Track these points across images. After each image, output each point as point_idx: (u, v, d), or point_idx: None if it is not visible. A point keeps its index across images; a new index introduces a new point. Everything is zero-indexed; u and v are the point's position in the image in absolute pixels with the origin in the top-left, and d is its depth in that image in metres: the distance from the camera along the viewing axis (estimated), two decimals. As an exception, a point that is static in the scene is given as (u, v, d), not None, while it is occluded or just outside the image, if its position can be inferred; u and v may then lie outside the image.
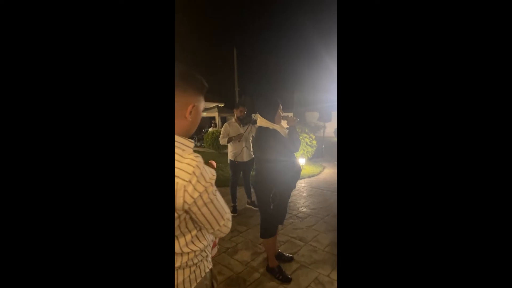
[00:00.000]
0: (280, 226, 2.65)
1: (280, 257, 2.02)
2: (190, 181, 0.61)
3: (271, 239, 1.80)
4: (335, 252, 2.14)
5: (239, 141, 2.89)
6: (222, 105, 13.20)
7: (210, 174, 0.66)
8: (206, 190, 0.64)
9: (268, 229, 1.79)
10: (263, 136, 1.68)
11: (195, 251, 0.72)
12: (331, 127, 7.82)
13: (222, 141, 2.96)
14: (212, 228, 0.68)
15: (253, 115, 3.21)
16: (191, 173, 0.62)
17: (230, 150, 3.00)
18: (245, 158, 2.95)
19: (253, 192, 3.51)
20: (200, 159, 0.65)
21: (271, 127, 1.67)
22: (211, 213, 0.66)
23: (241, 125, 3.00)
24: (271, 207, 1.69)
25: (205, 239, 0.75)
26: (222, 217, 0.68)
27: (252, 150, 2.89)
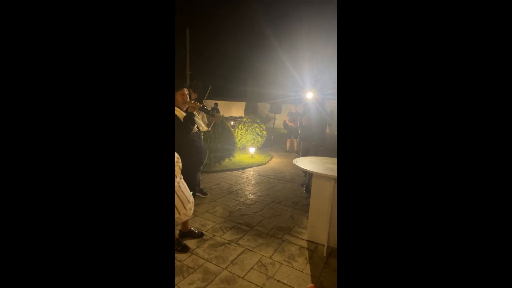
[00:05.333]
0: (227, 213, 2.70)
1: (191, 234, 2.16)
2: None
3: None
4: (279, 236, 2.29)
5: None
6: (171, 88, 12.36)
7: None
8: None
9: None
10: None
11: None
12: (281, 119, 8.20)
13: None
14: (179, 212, 0.75)
15: (204, 101, 3.11)
16: None
17: (178, 135, 2.86)
18: None
19: (201, 180, 3.44)
20: None
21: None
22: (179, 198, 0.75)
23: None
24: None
25: None
26: (189, 201, 0.77)
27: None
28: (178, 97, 1.79)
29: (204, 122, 3.12)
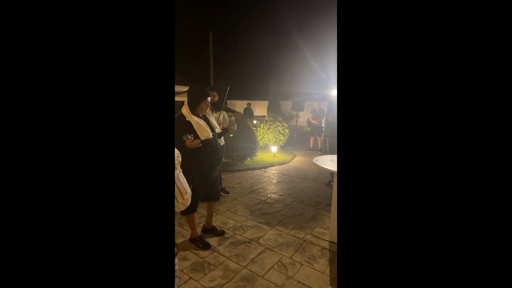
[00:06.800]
0: (248, 212, 2.72)
1: (213, 231, 2.25)
2: None
3: (191, 214, 2.02)
4: (299, 235, 2.26)
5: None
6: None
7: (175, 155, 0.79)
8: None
9: (189, 207, 1.95)
10: (176, 123, 1.75)
11: None
12: (304, 117, 8.04)
13: None
14: (177, 201, 0.86)
15: (228, 101, 3.16)
16: None
17: (201, 136, 2.94)
18: None
19: (223, 179, 3.51)
20: None
21: (186, 119, 1.77)
22: (178, 188, 0.85)
23: (213, 110, 2.93)
24: (191, 187, 1.88)
25: None
26: (186, 192, 0.89)
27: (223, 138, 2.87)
28: (203, 105, 1.83)
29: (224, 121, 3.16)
